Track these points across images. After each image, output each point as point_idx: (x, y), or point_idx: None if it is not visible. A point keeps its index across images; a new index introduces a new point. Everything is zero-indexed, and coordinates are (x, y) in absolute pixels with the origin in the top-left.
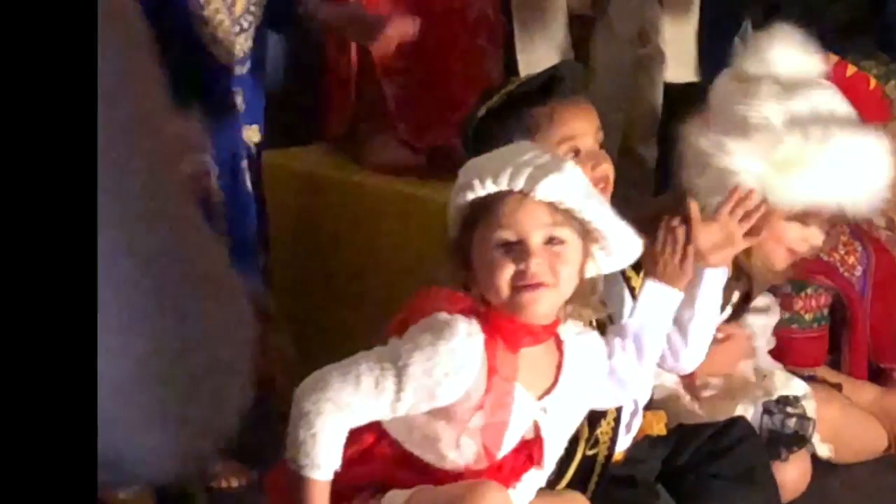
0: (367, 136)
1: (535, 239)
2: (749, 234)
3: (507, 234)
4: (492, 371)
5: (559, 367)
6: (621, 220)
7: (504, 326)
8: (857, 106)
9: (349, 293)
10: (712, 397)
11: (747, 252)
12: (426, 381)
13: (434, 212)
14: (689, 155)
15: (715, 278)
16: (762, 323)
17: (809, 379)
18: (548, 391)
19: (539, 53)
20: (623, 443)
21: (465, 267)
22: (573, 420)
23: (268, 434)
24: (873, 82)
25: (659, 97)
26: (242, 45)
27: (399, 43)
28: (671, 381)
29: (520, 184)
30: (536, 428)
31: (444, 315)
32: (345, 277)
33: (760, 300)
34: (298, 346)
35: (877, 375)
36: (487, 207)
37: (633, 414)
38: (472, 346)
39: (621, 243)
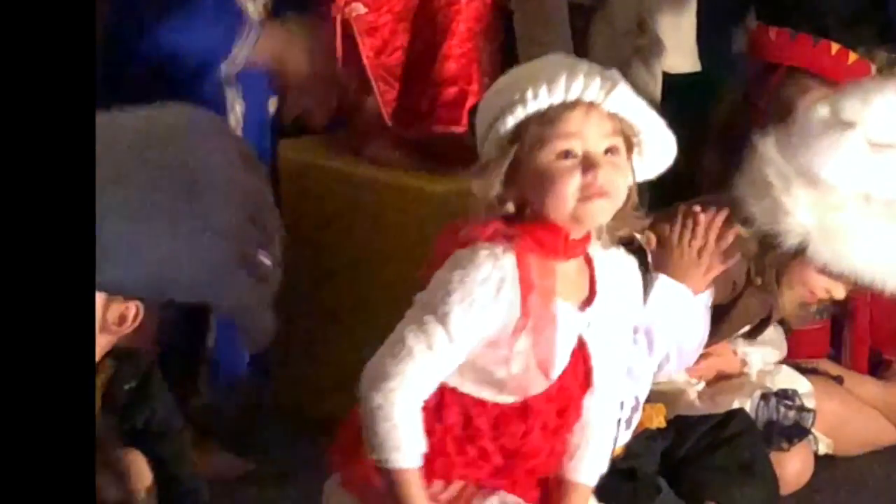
0: (356, 128)
1: (599, 149)
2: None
3: (573, 146)
4: (528, 289)
5: (592, 281)
6: (667, 129)
7: (543, 237)
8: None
9: (344, 282)
10: (711, 391)
11: (779, 278)
12: (471, 318)
13: (427, 202)
14: (753, 171)
15: (697, 303)
16: (760, 357)
17: (811, 371)
18: (588, 303)
19: (539, 43)
20: (623, 438)
21: (505, 187)
22: (617, 343)
23: (262, 426)
24: (874, 69)
25: (657, 87)
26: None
27: (389, 37)
28: (680, 377)
29: (591, 94)
30: (581, 343)
31: (461, 251)
32: (340, 268)
33: (768, 333)
34: (295, 334)
35: (876, 367)
36: (549, 119)
37: (634, 409)
38: (503, 268)
39: (661, 152)
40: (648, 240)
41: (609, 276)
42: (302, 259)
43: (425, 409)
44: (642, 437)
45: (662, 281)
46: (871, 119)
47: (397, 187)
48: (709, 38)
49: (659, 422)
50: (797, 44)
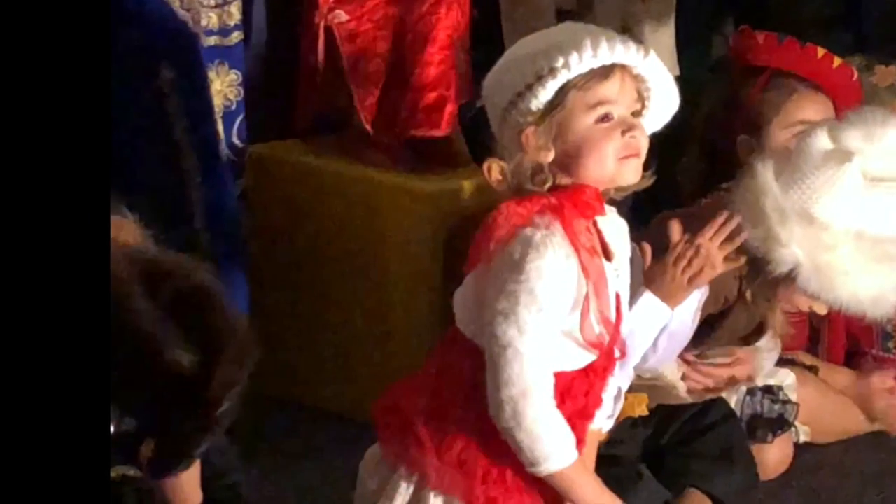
0: (349, 132)
1: (629, 112)
2: (727, 259)
3: (612, 110)
4: (580, 252)
5: (600, 236)
6: (676, 92)
7: (580, 199)
8: (838, 95)
9: (337, 278)
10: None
11: (768, 297)
12: (559, 300)
13: (420, 201)
14: (750, 197)
15: (692, 297)
16: (770, 364)
17: (788, 362)
18: (608, 256)
19: None
20: (605, 426)
21: (542, 152)
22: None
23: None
24: (856, 74)
25: None
26: (221, 15)
27: (369, 44)
28: (671, 374)
29: (631, 57)
30: (616, 294)
31: (514, 245)
32: (334, 264)
33: (764, 342)
34: (282, 335)
35: (851, 358)
36: (593, 84)
37: (616, 398)
38: (560, 244)
39: (664, 112)
40: (643, 252)
41: (610, 231)
42: (297, 255)
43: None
44: (625, 425)
45: (648, 297)
46: (870, 152)
47: (391, 187)
48: (686, 43)
49: (641, 410)
50: (784, 47)
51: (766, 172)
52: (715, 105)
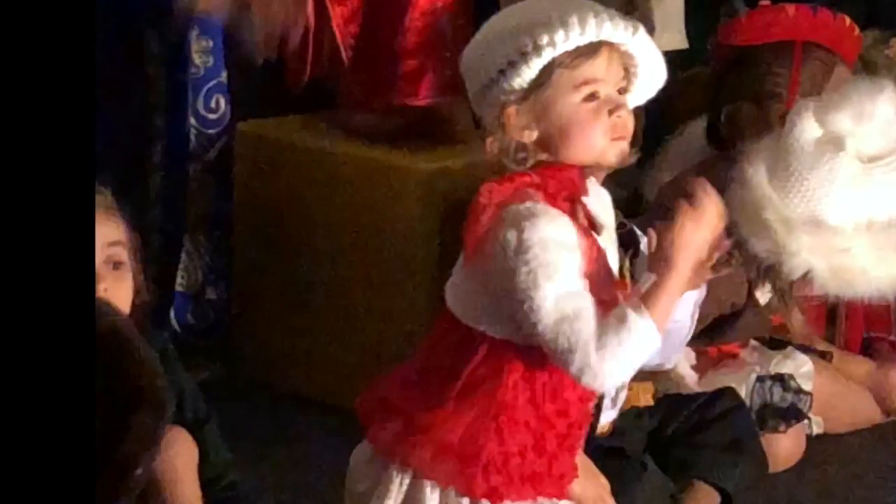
0: (339, 101)
1: (615, 90)
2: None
3: (599, 88)
4: (568, 214)
5: (585, 210)
6: (664, 70)
7: (564, 177)
8: (852, 65)
9: (325, 259)
10: (711, 376)
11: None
12: (572, 251)
13: (414, 181)
14: (749, 208)
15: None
16: None
17: (803, 349)
18: (596, 230)
19: None
20: (609, 415)
21: (524, 131)
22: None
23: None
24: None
25: None
26: None
27: (357, 6)
28: (680, 364)
29: (619, 34)
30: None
31: (504, 230)
32: (321, 245)
33: None
34: (270, 320)
35: (866, 347)
36: (579, 62)
37: (619, 388)
38: (541, 206)
39: (650, 89)
40: (650, 239)
41: (594, 203)
42: (285, 236)
43: (512, 381)
44: (630, 415)
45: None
46: (862, 132)
47: (384, 166)
48: (694, 14)
49: (646, 399)
50: (818, 18)
51: (760, 180)
52: (731, 88)
